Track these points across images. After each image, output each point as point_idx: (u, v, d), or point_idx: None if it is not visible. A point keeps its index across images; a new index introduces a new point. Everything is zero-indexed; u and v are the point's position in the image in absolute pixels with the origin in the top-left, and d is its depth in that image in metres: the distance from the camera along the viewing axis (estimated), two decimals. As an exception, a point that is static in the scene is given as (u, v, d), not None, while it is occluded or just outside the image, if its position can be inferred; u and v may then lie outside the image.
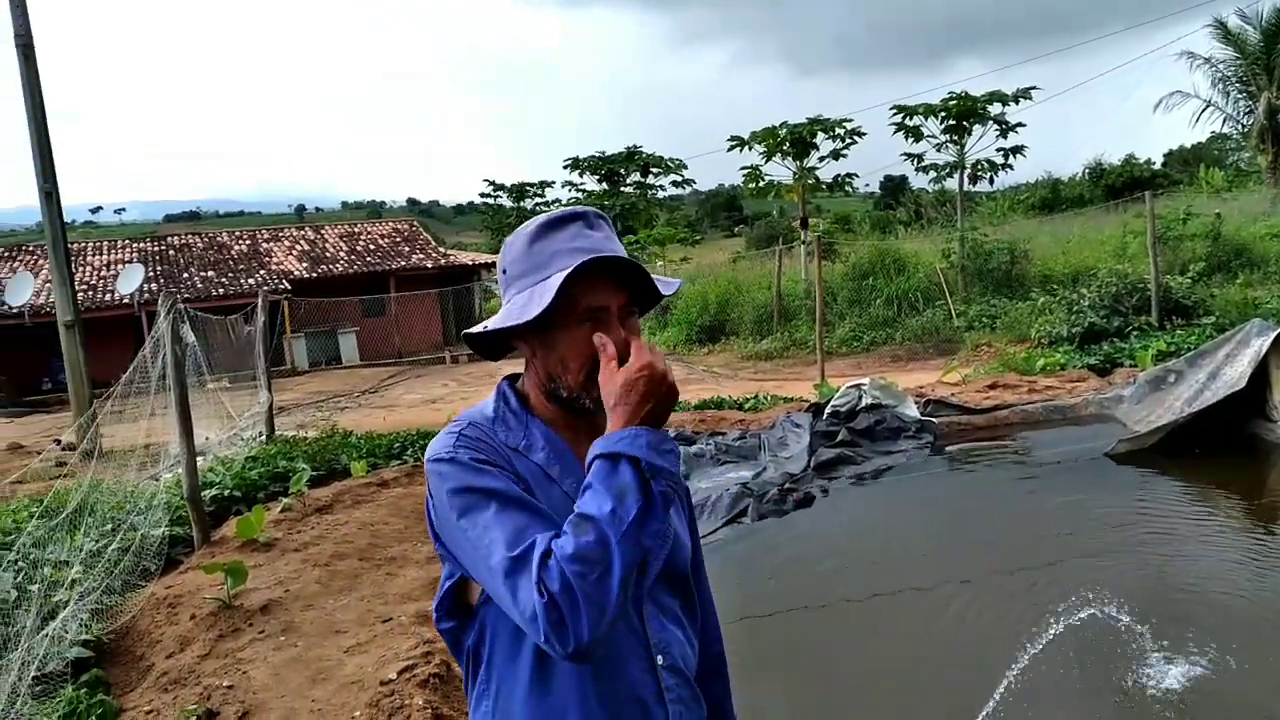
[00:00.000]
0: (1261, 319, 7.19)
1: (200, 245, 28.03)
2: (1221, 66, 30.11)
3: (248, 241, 28.50)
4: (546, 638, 1.24)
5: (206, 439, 9.24)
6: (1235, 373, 6.39)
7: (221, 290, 24.23)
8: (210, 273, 25.85)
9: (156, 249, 27.51)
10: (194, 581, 5.36)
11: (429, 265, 27.78)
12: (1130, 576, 4.48)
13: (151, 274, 24.44)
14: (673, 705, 1.47)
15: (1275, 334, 6.36)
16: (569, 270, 1.37)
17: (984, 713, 2.13)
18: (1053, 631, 3.48)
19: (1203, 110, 30.99)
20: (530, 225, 1.47)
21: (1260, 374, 6.34)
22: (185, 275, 25.45)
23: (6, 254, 26.70)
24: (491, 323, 1.47)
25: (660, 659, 1.46)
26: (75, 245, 27.41)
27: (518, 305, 1.42)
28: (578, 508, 1.29)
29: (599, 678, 1.41)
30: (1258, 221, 20.49)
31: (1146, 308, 12.62)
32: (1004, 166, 20.30)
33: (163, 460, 7.15)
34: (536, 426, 1.48)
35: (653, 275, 1.47)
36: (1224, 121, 31.70)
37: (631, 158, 29.80)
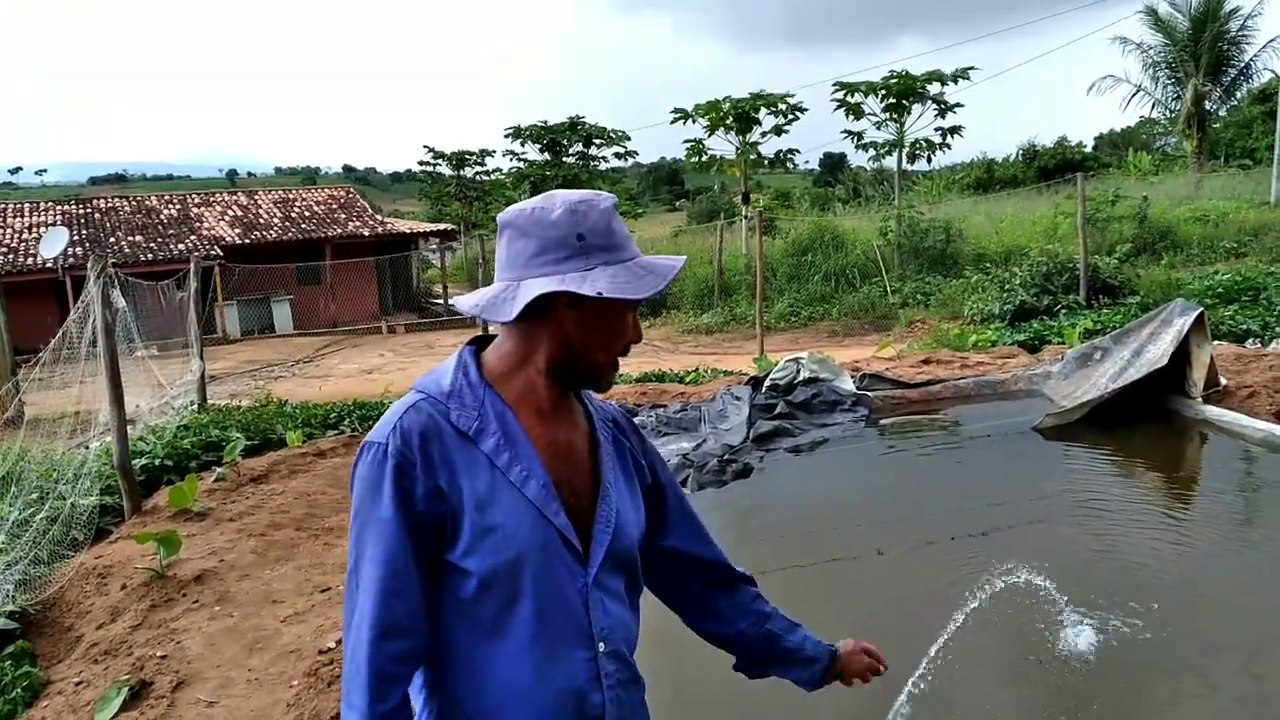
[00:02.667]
0: (1184, 299, 7.44)
1: (128, 209, 27.19)
2: (1152, 52, 30.89)
3: (178, 206, 27.73)
4: None
5: (137, 407, 9.01)
6: (1158, 351, 6.60)
7: (150, 255, 23.58)
8: (138, 237, 25.11)
9: (82, 212, 26.62)
10: (125, 551, 5.25)
11: (366, 233, 27.34)
12: (1055, 546, 4.64)
13: (76, 238, 23.65)
14: (610, 690, 1.48)
15: (1196, 314, 6.58)
16: (681, 266, 1.48)
17: (910, 680, 2.20)
18: (979, 598, 3.59)
19: (1133, 95, 31.83)
20: (602, 200, 1.46)
21: (1181, 352, 6.57)
22: (112, 240, 24.68)
23: (-80, 214, 25.63)
24: (605, 288, 1.39)
25: (602, 646, 1.48)
26: (-6, 207, 26.40)
27: (622, 279, 1.41)
28: None
29: (539, 669, 1.42)
30: (1182, 205, 21.17)
31: (1075, 287, 12.98)
32: (941, 146, 20.63)
33: (92, 428, 6.97)
34: (492, 404, 1.46)
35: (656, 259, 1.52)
36: (1153, 106, 32.61)
37: (574, 128, 29.57)
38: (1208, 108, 30.53)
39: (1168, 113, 32.53)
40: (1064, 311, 12.43)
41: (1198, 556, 4.54)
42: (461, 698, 1.44)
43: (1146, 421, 6.62)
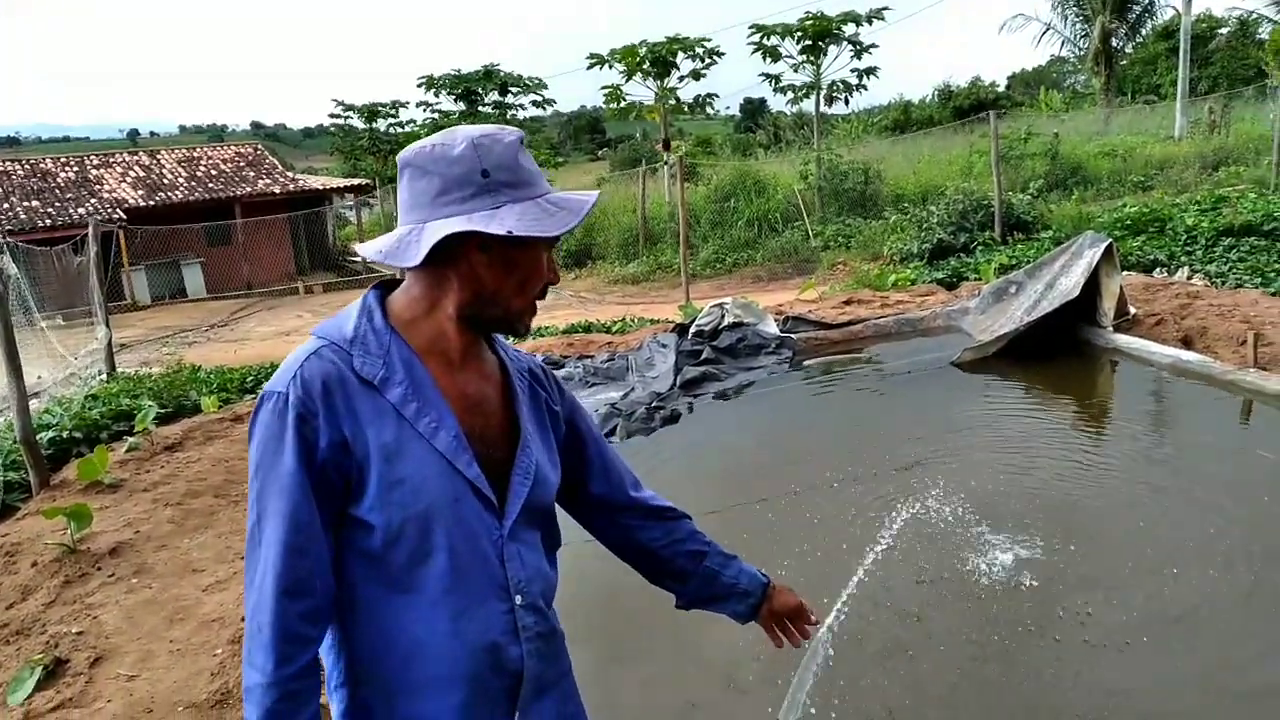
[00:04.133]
0: (1094, 232, 7.62)
1: (21, 173, 25.83)
2: (1060, -10, 31.31)
3: (75, 168, 26.46)
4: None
5: (39, 378, 8.65)
6: (1070, 283, 6.77)
7: (48, 221, 22.53)
8: (34, 202, 23.94)
9: (-30, 177, 25.24)
10: (33, 528, 5.05)
11: (277, 191, 26.52)
12: (974, 476, 4.74)
13: (-34, 204, 22.48)
14: (528, 643, 1.46)
15: (1105, 245, 6.75)
16: (595, 201, 1.42)
17: (834, 609, 2.22)
18: (897, 530, 3.66)
19: (1043, 33, 32.34)
20: (507, 134, 1.39)
21: (1092, 283, 6.74)
22: (5, 205, 23.50)
23: None
24: (515, 227, 1.32)
25: (519, 599, 1.44)
26: (-127, 173, 24.92)
27: (532, 216, 1.34)
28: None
29: (454, 622, 1.38)
30: (1091, 141, 21.67)
31: (990, 224, 13.22)
32: (858, 87, 20.74)
33: (-5, 402, 6.65)
34: (399, 351, 1.39)
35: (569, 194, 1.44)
36: (1063, 44, 33.18)
37: (489, 76, 28.92)
38: (1115, 45, 31.18)
39: (1077, 50, 33.17)
40: (980, 248, 12.67)
41: (1108, 479, 4.70)
42: (372, 655, 1.39)
43: (1061, 352, 6.80)
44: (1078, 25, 31.75)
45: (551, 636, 1.53)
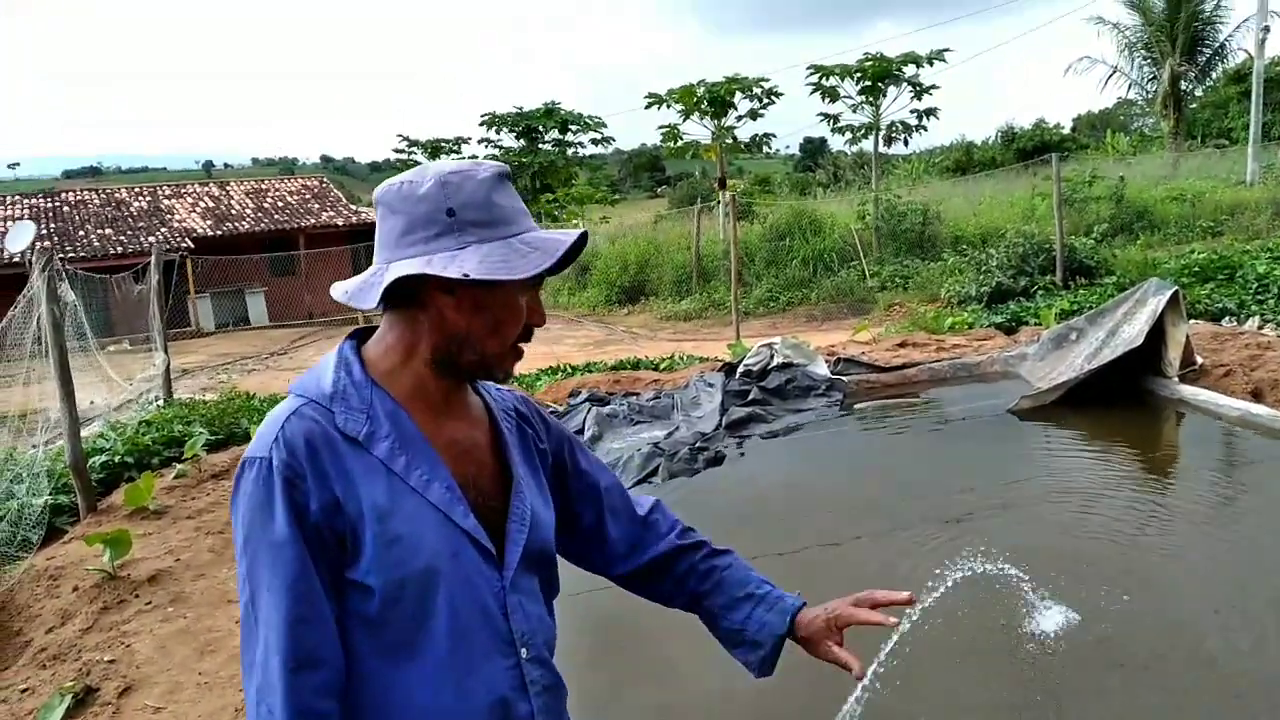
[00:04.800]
0: (1159, 278, 7.38)
1: (97, 202, 26.78)
2: (1129, 33, 30.88)
3: (148, 198, 27.33)
4: None
5: (91, 403, 8.81)
6: (1133, 330, 6.54)
7: (120, 249, 23.24)
8: (108, 230, 24.75)
9: (50, 205, 26.19)
10: (77, 552, 5.10)
11: (339, 223, 27.09)
12: (1028, 530, 4.56)
13: (44, 231, 23.29)
14: (536, 698, 1.38)
15: (1171, 292, 6.52)
16: (574, 240, 1.33)
17: (874, 664, 2.10)
18: (946, 584, 3.50)
19: (1110, 76, 31.84)
20: (481, 171, 1.30)
21: (1157, 331, 6.51)
22: (81, 233, 24.33)
23: (-117, 209, 25.13)
24: (473, 269, 1.24)
25: (524, 651, 1.36)
26: (-40, 201, 25.97)
27: (497, 258, 1.26)
28: None
29: (460, 683, 1.30)
30: (1159, 185, 21.19)
31: (1051, 268, 12.93)
32: (918, 128, 20.59)
33: (40, 427, 6.78)
34: (381, 403, 1.31)
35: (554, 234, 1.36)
36: (1130, 87, 32.62)
37: (550, 114, 29.33)
38: (1184, 88, 30.58)
39: (1144, 93, 32.58)
40: (1040, 293, 12.38)
41: (1172, 539, 4.47)
42: (372, 710, 1.30)
43: (1122, 402, 6.56)
44: (1145, 68, 31.21)
45: (557, 689, 1.44)
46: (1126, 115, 44.87)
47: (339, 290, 1.35)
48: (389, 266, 1.29)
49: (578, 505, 1.63)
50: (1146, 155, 29.38)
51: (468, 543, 1.32)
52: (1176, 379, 6.57)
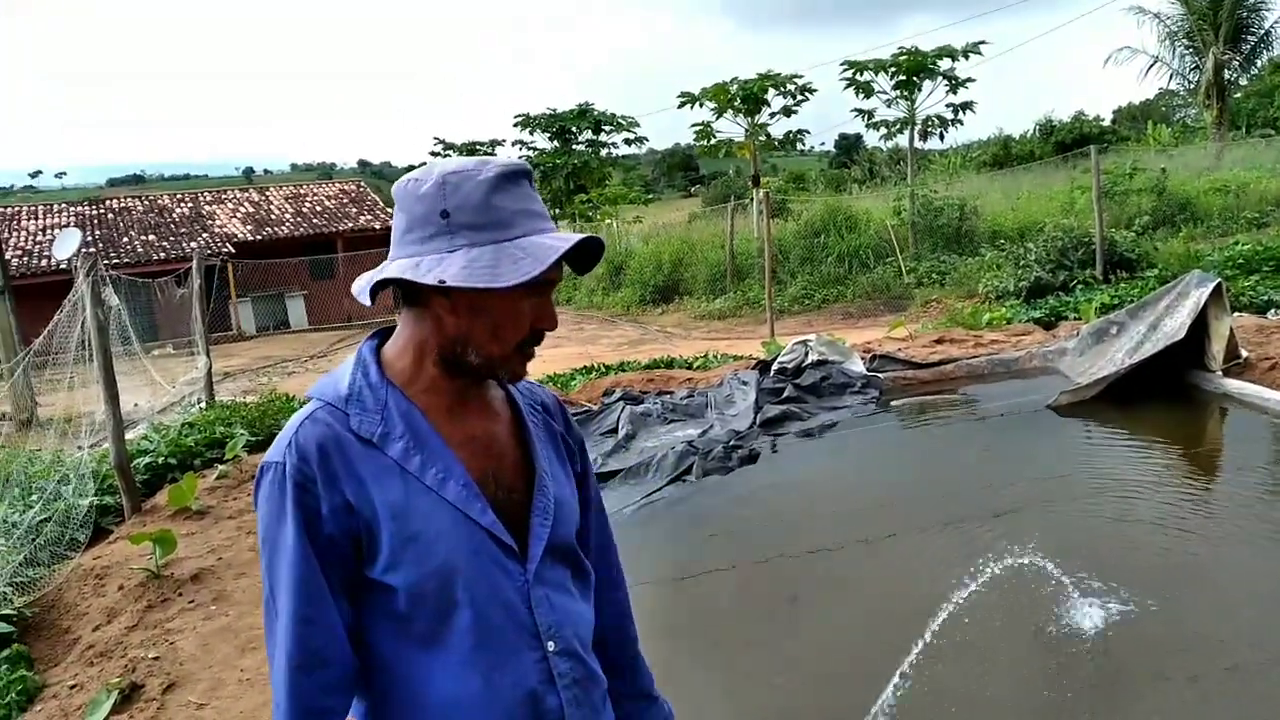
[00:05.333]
0: (1202, 270, 7.25)
1: (140, 209, 27.28)
2: (1169, 22, 30.30)
3: (190, 204, 27.80)
4: None
5: (135, 405, 8.97)
6: (1175, 324, 6.43)
7: (163, 254, 23.67)
8: (151, 236, 25.21)
9: (95, 213, 26.73)
10: (122, 552, 5.20)
11: (377, 226, 27.36)
12: (1068, 526, 4.50)
13: (89, 238, 23.76)
14: (565, 690, 1.37)
15: (1214, 285, 6.40)
16: (569, 248, 1.27)
17: (906, 662, 2.10)
18: (980, 582, 3.47)
19: (1150, 66, 31.25)
20: (483, 171, 1.28)
21: (1199, 324, 6.39)
22: (125, 239, 24.81)
23: (-64, 219, 25.79)
24: (452, 276, 1.23)
25: (551, 645, 1.36)
26: (9, 210, 26.58)
27: (483, 264, 1.24)
28: None
29: (487, 676, 1.31)
30: (1202, 176, 20.79)
31: (1091, 261, 12.74)
32: (954, 122, 20.34)
33: (85, 429, 6.93)
34: (396, 402, 1.32)
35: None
36: (1171, 78, 32.00)
37: (583, 115, 29.42)
38: (1228, 77, 29.95)
39: (1187, 83, 31.95)
40: (1080, 287, 12.20)
41: (1216, 536, 4.39)
42: (399, 704, 1.33)
43: (1165, 397, 6.45)
44: (1187, 57, 30.61)
45: (591, 682, 1.43)
46: (1168, 106, 44.02)
47: (355, 286, 1.37)
48: (384, 266, 1.31)
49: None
50: (1189, 146, 28.83)
51: (486, 538, 1.32)
52: (1220, 373, 6.45)
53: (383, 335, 1.42)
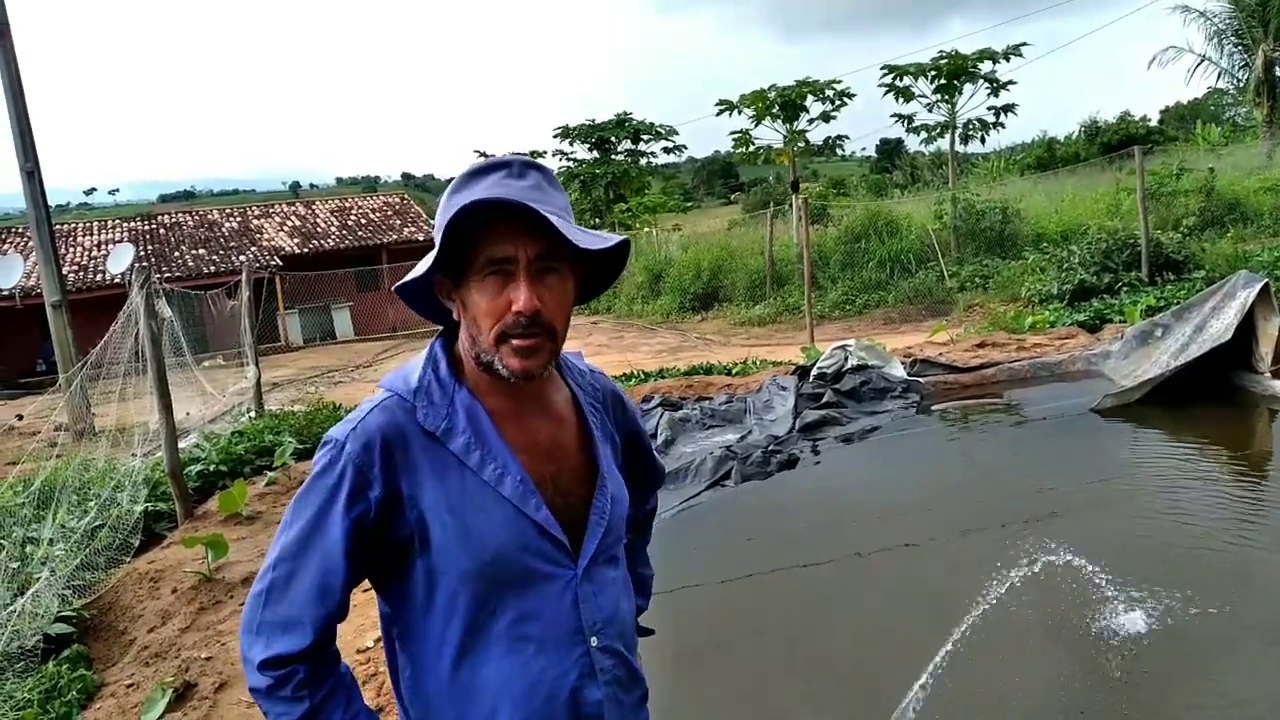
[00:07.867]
0: (1249, 271, 7.13)
1: (191, 224, 27.90)
2: (1216, 20, 29.74)
3: (238, 218, 28.35)
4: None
5: (187, 414, 9.18)
6: (1221, 325, 6.34)
7: (213, 268, 24.16)
8: (201, 250, 25.76)
9: (147, 228, 27.38)
10: (176, 556, 5.35)
11: (420, 238, 27.70)
12: (1112, 530, 4.47)
13: (142, 253, 24.34)
14: (606, 687, 1.41)
15: (1261, 285, 6.30)
16: (453, 213, 1.26)
17: (931, 664, 2.12)
18: (1017, 583, 3.46)
19: (1197, 65, 30.67)
20: (474, 166, 1.34)
21: (1246, 325, 6.30)
22: (176, 254, 25.37)
23: (-3, 236, 26.57)
24: (409, 275, 1.36)
25: (594, 641, 1.40)
26: (65, 226, 27.31)
27: (426, 259, 1.33)
28: None
29: (526, 669, 1.36)
30: (1252, 176, 20.37)
31: (1137, 263, 12.55)
32: (995, 125, 20.20)
33: (138, 438, 7.12)
34: (462, 400, 1.37)
35: (577, 228, 1.31)
36: (1219, 76, 31.37)
37: (622, 125, 29.57)
38: (1279, 74, 29.33)
39: (1236, 82, 31.31)
40: (1125, 289, 12.03)
41: (1264, 540, 4.33)
42: (447, 707, 1.38)
43: (1211, 399, 6.36)
44: (1236, 55, 30.00)
45: (631, 682, 1.47)
46: (1217, 105, 43.12)
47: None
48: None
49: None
50: (1239, 146, 28.23)
51: (539, 534, 1.36)
52: (1269, 375, 6.34)
53: (454, 332, 1.45)
